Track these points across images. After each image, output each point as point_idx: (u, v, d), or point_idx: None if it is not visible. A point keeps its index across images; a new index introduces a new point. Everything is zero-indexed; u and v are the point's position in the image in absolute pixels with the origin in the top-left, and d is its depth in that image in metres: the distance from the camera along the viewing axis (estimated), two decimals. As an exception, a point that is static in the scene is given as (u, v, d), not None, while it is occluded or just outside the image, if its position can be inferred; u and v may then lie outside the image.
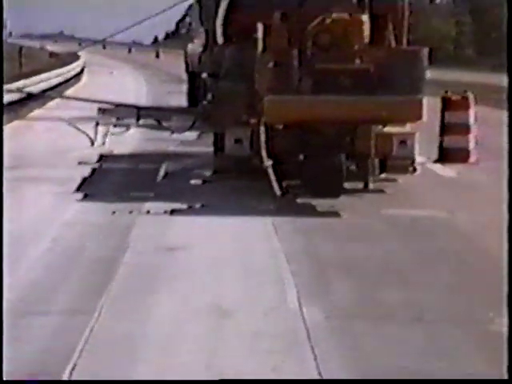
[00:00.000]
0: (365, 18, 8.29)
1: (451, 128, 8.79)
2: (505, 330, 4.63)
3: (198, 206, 8.01)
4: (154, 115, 10.87)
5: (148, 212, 7.70)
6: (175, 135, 11.65)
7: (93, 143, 11.70)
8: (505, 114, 19.91)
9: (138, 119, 10.47)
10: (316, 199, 8.20)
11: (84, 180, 9.27)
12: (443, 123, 8.82)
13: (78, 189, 8.72)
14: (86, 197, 8.31)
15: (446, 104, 8.87)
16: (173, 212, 7.71)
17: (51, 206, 7.82)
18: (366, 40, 8.30)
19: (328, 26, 8.24)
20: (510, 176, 7.95)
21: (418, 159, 8.64)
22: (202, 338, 4.56)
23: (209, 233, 7.07)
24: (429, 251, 6.52)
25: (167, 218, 7.54)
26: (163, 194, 8.52)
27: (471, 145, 8.84)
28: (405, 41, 8.61)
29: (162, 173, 9.81)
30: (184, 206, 7.95)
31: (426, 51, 8.33)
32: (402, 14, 8.53)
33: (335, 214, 7.72)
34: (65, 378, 4.05)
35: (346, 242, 6.74)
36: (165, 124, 10.60)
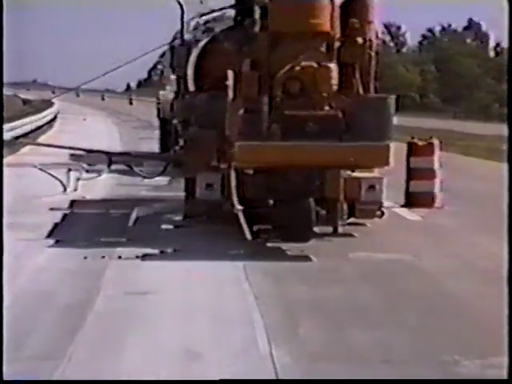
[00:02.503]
0: (333, 65, 8.37)
1: (417, 173, 8.85)
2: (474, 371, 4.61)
3: (169, 250, 7.97)
4: (125, 161, 10.83)
5: (120, 257, 7.64)
6: (147, 180, 11.62)
7: (65, 189, 11.63)
8: (470, 160, 20.12)
9: (109, 165, 10.42)
10: (286, 243, 8.19)
11: (55, 226, 9.20)
12: (409, 168, 8.87)
13: (50, 235, 8.65)
14: (57, 242, 8.23)
15: (412, 149, 8.93)
16: (144, 257, 7.66)
17: (22, 252, 7.74)
18: (335, 87, 8.38)
19: (297, 74, 8.31)
20: (509, 180, 7.97)
21: (386, 203, 8.68)
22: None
23: (180, 277, 7.02)
24: (396, 293, 6.52)
25: (139, 263, 7.48)
26: (135, 239, 8.47)
27: (437, 189, 8.89)
28: (372, 88, 8.69)
29: (133, 218, 9.76)
30: (156, 251, 7.91)
31: (392, 98, 8.42)
32: (370, 63, 8.63)
33: (305, 258, 7.71)
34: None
35: (315, 285, 6.72)
36: (136, 169, 10.57)
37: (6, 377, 3.92)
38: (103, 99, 75.83)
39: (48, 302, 6.03)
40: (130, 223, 9.52)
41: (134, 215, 9.91)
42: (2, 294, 5.48)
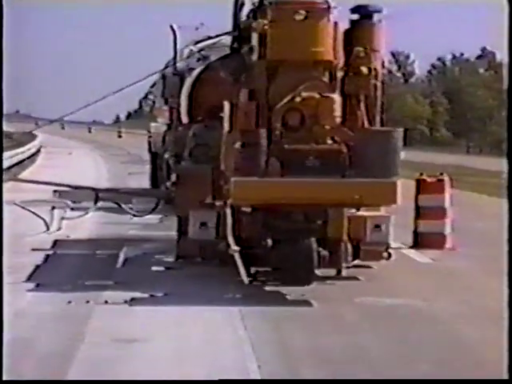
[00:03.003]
0: (336, 96, 8.39)
1: (426, 212, 8.84)
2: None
3: (160, 294, 7.93)
4: (113, 198, 10.82)
5: (106, 302, 7.60)
6: (136, 219, 11.60)
7: (48, 228, 11.60)
8: (483, 198, 20.12)
9: (96, 202, 10.41)
10: (286, 287, 8.15)
11: (37, 267, 9.16)
12: (418, 207, 8.86)
13: (31, 277, 8.61)
14: (39, 286, 8.19)
15: (421, 186, 8.93)
16: (133, 301, 7.62)
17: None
18: (338, 120, 8.39)
19: (298, 105, 8.33)
20: (509, 188, 7.97)
21: (393, 244, 8.66)
22: None
23: (171, 323, 6.98)
24: (405, 343, 6.47)
25: (127, 308, 7.44)
26: (123, 282, 8.43)
27: (447, 229, 8.87)
28: (378, 121, 8.71)
29: (121, 259, 9.73)
30: (145, 295, 7.87)
31: (400, 131, 8.43)
32: (375, 93, 8.65)
33: (306, 303, 7.68)
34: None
35: (317, 333, 6.69)
36: (125, 207, 10.56)
37: (5, 377, 3.83)
38: (90, 131, 76.05)
39: (27, 351, 5.98)
40: (118, 265, 9.49)
41: (122, 256, 9.88)
42: (1, 300, 5.70)
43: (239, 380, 3.87)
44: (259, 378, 5.19)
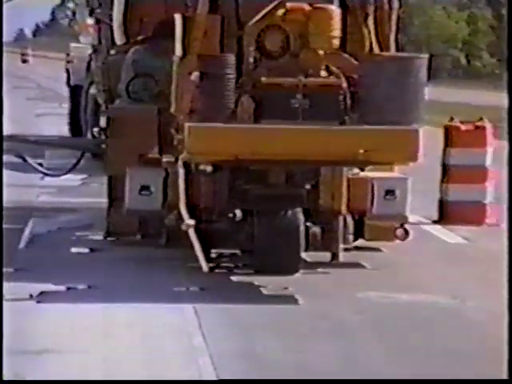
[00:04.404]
0: (334, 8, 8.44)
1: (459, 172, 8.91)
2: None
3: (81, 286, 7.98)
4: (16, 149, 10.83)
5: (1, 297, 7.65)
6: (49, 179, 11.61)
7: None
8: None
9: (-8, 155, 10.43)
10: (261, 276, 8.23)
11: None
12: (446, 165, 8.93)
13: None
14: None
15: (452, 137, 9.00)
16: (42, 296, 7.66)
17: None
18: (336, 42, 8.44)
19: (279, 21, 8.37)
20: (509, 179, 8.09)
21: (411, 218, 8.75)
22: None
23: (96, 328, 7.04)
24: (425, 356, 6.57)
25: (33, 306, 7.48)
26: (28, 269, 8.47)
27: (488, 198, 8.96)
28: (393, 44, 8.76)
29: (26, 236, 9.76)
30: (60, 288, 7.91)
31: (424, 59, 8.49)
32: (389, 6, 8.70)
33: (289, 300, 7.75)
34: None
35: (303, 342, 6.77)
36: (33, 162, 10.57)
37: (5, 377, 4.66)
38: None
39: None
40: (21, 245, 9.52)
41: (27, 232, 9.91)
42: (1, 295, 6.21)
43: (239, 380, 4.01)
44: (259, 378, 5.29)
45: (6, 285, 7.92)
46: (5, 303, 7.53)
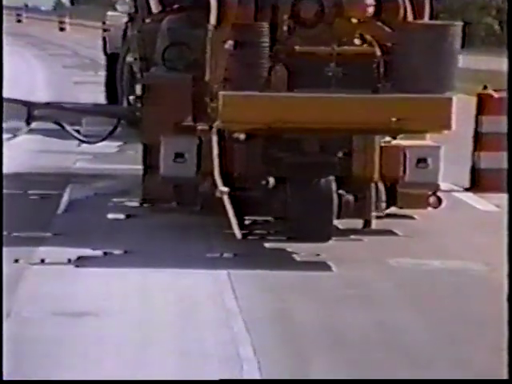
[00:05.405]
0: (367, -23, 8.41)
1: (491, 140, 8.91)
2: None
3: (118, 252, 8.04)
4: (53, 116, 10.87)
5: (42, 261, 7.71)
6: (85, 146, 11.67)
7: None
8: None
9: (29, 121, 10.47)
10: (294, 243, 8.26)
11: None
12: (479, 133, 8.93)
13: None
14: None
15: (485, 105, 8.99)
16: (80, 261, 7.73)
17: None
18: (370, 10, 8.43)
19: (313, -10, 8.35)
20: (509, 177, 8.07)
21: (443, 186, 8.75)
22: None
23: (133, 292, 7.10)
24: (457, 323, 6.59)
25: (72, 270, 7.55)
26: (66, 234, 8.54)
27: (521, 165, 8.94)
28: (427, 12, 8.74)
29: (64, 202, 9.82)
30: (97, 253, 7.97)
31: (457, 27, 8.46)
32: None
33: (322, 266, 7.79)
34: None
35: (334, 308, 6.80)
36: (70, 129, 10.61)
37: (6, 377, 4.62)
38: (20, 21, 75.71)
39: None
40: (60, 210, 9.58)
41: (65, 198, 9.96)
42: (1, 296, 6.16)
43: (239, 380, 4.03)
44: (259, 378, 5.32)
45: (45, 249, 7.99)
46: (45, 267, 7.61)
